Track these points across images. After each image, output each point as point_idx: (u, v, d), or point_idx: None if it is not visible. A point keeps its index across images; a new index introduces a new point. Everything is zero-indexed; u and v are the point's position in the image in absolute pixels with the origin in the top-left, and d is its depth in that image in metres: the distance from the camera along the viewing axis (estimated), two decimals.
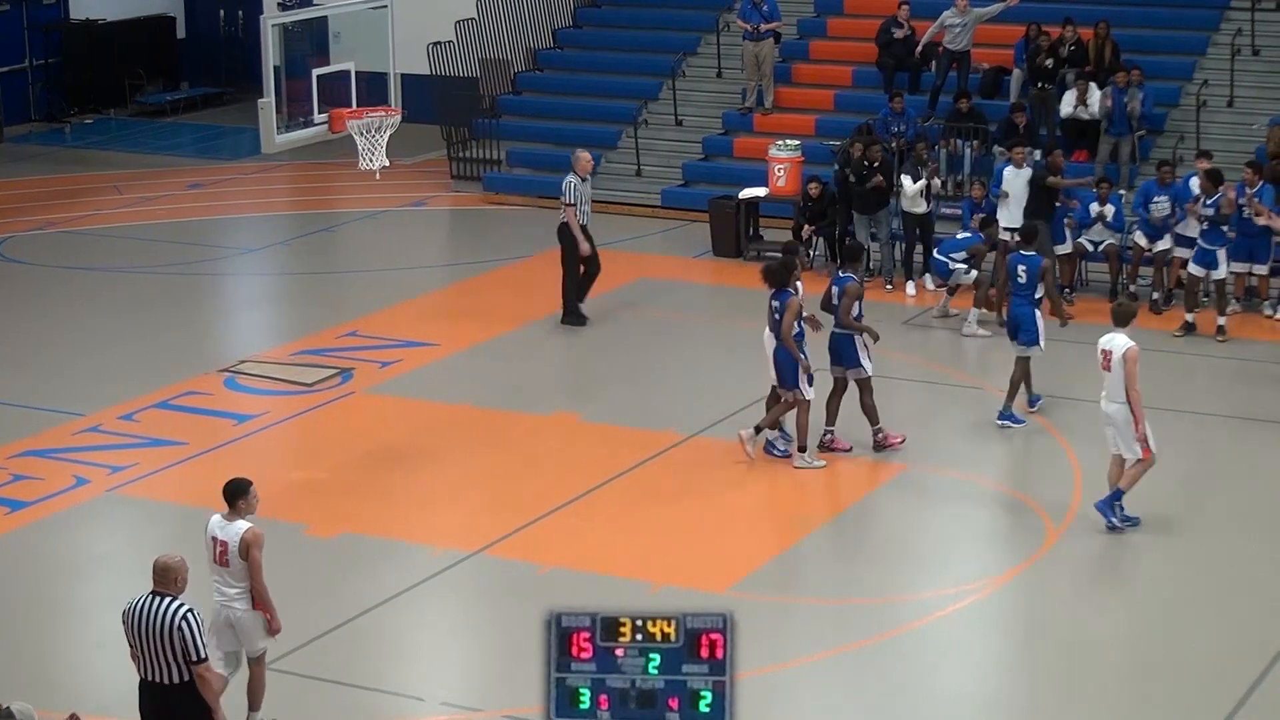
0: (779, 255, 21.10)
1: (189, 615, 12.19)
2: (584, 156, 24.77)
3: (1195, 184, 24.12)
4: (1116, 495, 17.58)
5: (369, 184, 28.52)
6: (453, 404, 21.68)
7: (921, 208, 25.99)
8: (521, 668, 15.27)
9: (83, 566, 17.69)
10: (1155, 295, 24.65)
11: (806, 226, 26.90)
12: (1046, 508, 18.38)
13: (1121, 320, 17.63)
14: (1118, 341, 17.41)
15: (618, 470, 19.26)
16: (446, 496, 19.12)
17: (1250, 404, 21.29)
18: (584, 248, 24.31)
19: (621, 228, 29.71)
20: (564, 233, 24.38)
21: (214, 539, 13.62)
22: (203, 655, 12.24)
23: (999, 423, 20.33)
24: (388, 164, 24.72)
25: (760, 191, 28.34)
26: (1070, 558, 17.37)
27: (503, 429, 20.81)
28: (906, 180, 25.94)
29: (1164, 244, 24.51)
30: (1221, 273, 23.47)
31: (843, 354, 19.61)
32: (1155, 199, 24.52)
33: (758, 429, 19.55)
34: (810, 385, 19.20)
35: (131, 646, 12.40)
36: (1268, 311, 24.42)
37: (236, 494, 13.68)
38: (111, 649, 15.83)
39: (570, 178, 24.25)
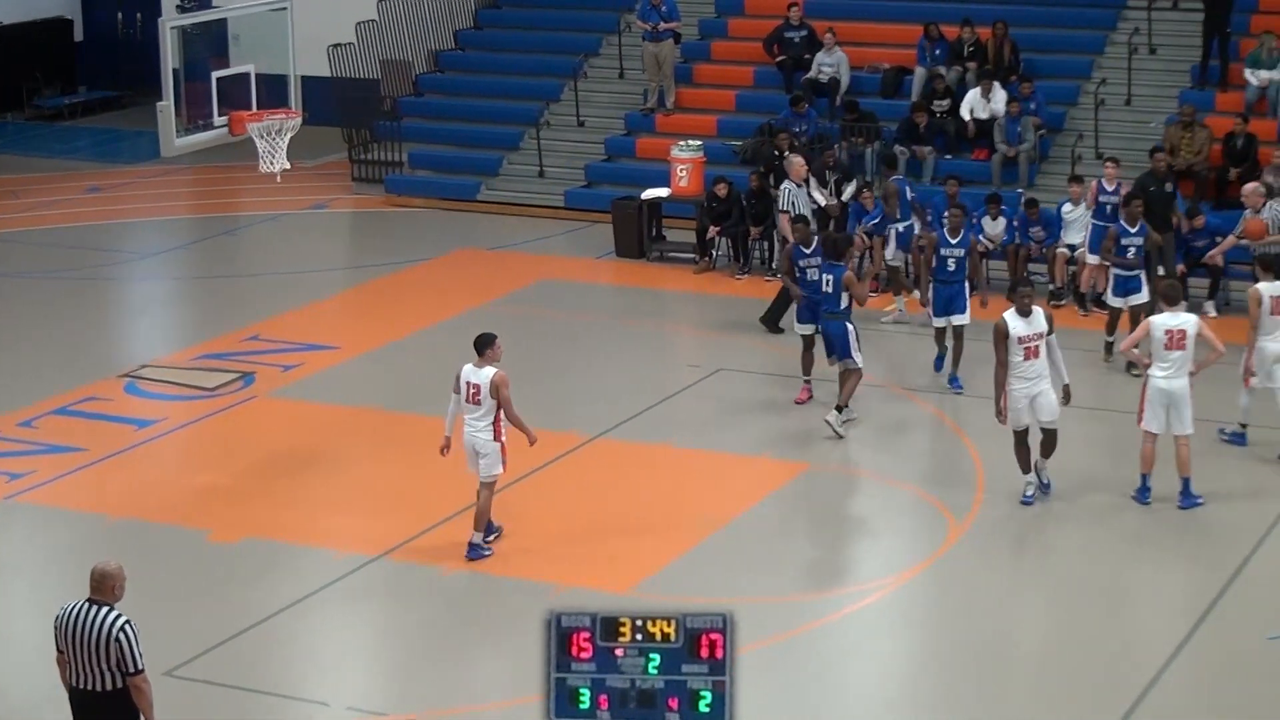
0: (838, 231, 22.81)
1: (126, 627, 12.01)
2: (797, 162, 24.73)
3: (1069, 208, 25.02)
4: (1188, 485, 18.30)
5: (270, 187, 28.31)
6: (356, 407, 21.61)
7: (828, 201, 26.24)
8: (427, 670, 15.27)
9: None
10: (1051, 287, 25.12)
11: (711, 227, 26.95)
12: (949, 505, 18.48)
13: (1175, 299, 18.31)
14: (1191, 319, 18.08)
15: (521, 472, 19.19)
16: (349, 500, 19.04)
17: None
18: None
19: (524, 229, 29.71)
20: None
21: (467, 383, 16.93)
22: (139, 666, 12.06)
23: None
24: (289, 166, 24.59)
25: (663, 192, 28.37)
26: (973, 554, 17.46)
27: (406, 432, 20.73)
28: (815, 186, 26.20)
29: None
30: (1144, 297, 22.14)
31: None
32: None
33: (839, 408, 20.17)
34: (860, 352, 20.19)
35: (61, 652, 12.21)
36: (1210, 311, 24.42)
37: (485, 345, 16.98)
38: (4, 657, 15.72)
39: (786, 184, 24.15)
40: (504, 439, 17.03)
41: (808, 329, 21.15)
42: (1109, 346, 22.56)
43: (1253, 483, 19.10)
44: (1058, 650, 15.71)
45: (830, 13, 31.47)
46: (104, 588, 12.14)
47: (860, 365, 20.22)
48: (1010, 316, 17.93)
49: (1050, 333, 17.99)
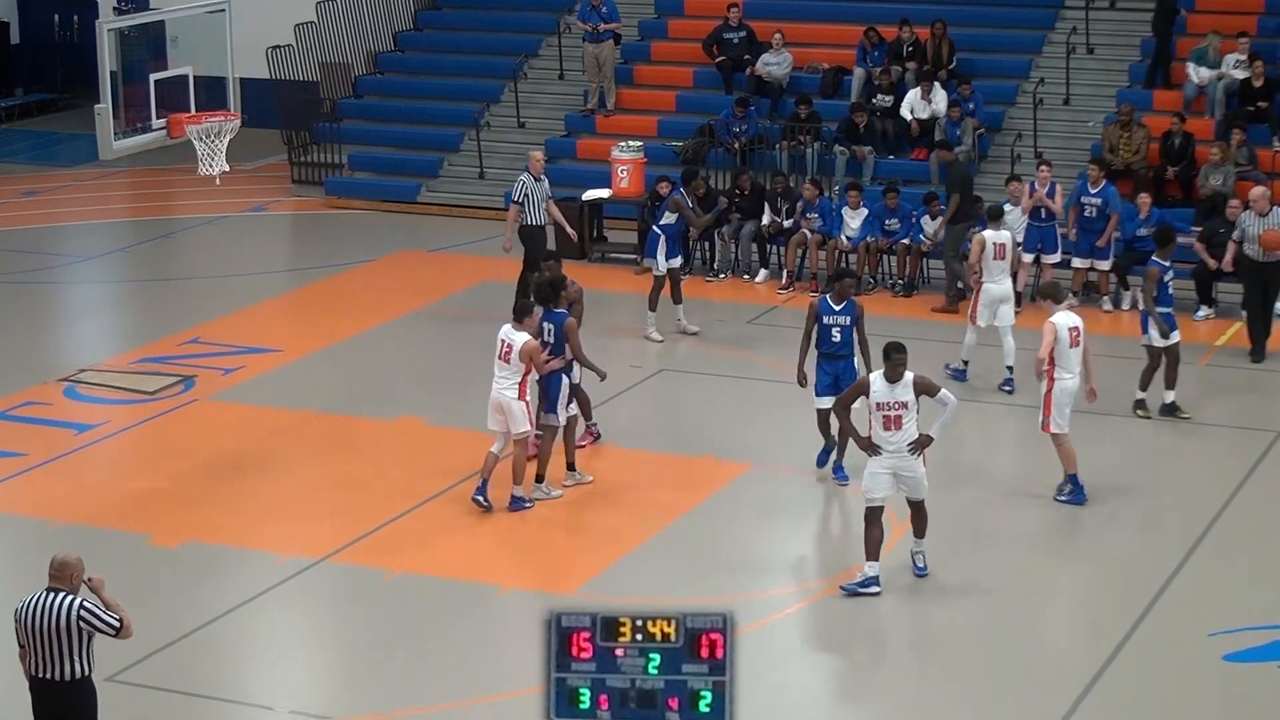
0: (547, 275, 19.70)
1: (84, 604, 12.19)
2: (536, 156, 24.79)
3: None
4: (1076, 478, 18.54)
5: (209, 189, 28.27)
6: (297, 410, 21.53)
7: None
8: (370, 673, 15.24)
9: None
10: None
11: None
12: (892, 504, 18.46)
13: (1061, 297, 18.80)
14: (1078, 319, 18.50)
15: (464, 474, 19.18)
16: (291, 503, 18.99)
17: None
18: (505, 242, 24.43)
19: (465, 230, 29.66)
20: (523, 233, 24.19)
21: (503, 341, 17.97)
22: (117, 625, 12.27)
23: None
24: (227, 169, 24.54)
25: (603, 193, 28.38)
26: None
27: (348, 434, 20.70)
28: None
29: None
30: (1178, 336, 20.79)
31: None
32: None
33: (539, 478, 18.76)
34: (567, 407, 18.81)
35: (22, 646, 12.31)
36: (1106, 306, 24.82)
37: (523, 313, 18.07)
38: None
39: (522, 176, 24.18)
40: (528, 398, 18.02)
41: None
42: (1141, 403, 20.90)
43: (1200, 474, 19.24)
44: (1001, 651, 15.76)
45: (769, 13, 31.54)
46: (63, 576, 12.32)
47: (561, 424, 18.68)
48: (876, 378, 16.33)
49: (934, 395, 16.26)
